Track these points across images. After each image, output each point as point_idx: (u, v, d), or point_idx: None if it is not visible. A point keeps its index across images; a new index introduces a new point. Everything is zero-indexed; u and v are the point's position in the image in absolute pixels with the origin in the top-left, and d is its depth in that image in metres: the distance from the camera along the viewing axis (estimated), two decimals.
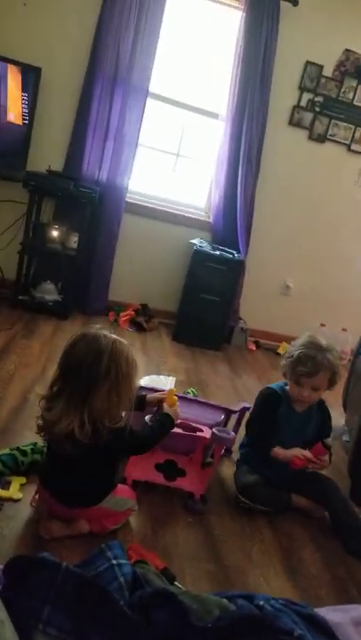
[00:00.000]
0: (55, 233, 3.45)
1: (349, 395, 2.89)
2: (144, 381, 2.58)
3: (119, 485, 1.64)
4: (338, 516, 1.95)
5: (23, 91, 3.21)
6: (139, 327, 3.69)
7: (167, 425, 1.65)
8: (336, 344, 4.56)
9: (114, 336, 1.45)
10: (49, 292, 3.51)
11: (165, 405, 1.70)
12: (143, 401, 1.80)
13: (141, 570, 1.04)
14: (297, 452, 1.86)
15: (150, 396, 1.82)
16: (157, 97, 3.69)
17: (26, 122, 3.27)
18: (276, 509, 1.95)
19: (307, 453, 1.85)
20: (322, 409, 2.03)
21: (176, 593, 0.97)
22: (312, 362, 1.85)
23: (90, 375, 1.38)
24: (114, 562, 0.99)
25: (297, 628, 1.05)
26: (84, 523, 1.55)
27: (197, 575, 1.55)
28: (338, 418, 3.07)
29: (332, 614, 1.27)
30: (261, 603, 1.11)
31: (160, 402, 1.75)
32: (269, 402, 1.98)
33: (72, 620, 0.84)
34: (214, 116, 3.76)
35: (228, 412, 2.20)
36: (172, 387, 2.72)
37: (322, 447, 1.85)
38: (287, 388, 1.98)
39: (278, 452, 1.89)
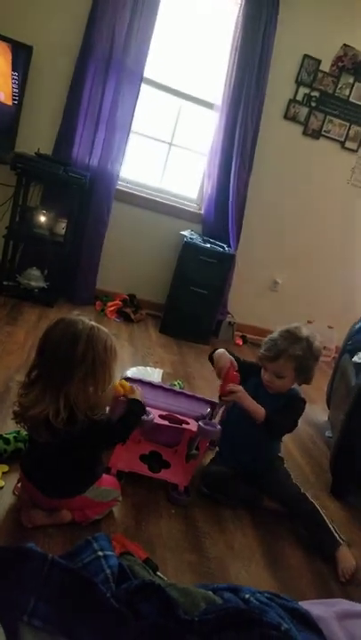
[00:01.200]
0: (43, 218, 3.39)
1: (334, 391, 2.90)
2: (131, 372, 2.56)
3: (104, 476, 1.62)
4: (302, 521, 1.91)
5: (13, 70, 3.12)
6: (126, 318, 3.65)
7: (138, 411, 1.61)
8: (322, 341, 4.58)
9: (92, 322, 1.43)
10: (35, 278, 3.45)
11: (126, 395, 1.64)
12: None
13: (127, 562, 1.02)
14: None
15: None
16: (152, 83, 3.64)
17: (15, 102, 3.18)
18: (240, 500, 1.93)
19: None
20: (288, 400, 1.92)
21: (163, 586, 0.95)
22: (274, 347, 1.83)
23: (65, 360, 1.36)
24: (100, 553, 0.97)
25: (283, 621, 1.04)
26: (66, 512, 1.53)
27: (180, 566, 1.54)
28: (321, 414, 3.10)
29: (315, 608, 1.26)
30: (247, 596, 1.10)
31: (117, 394, 1.66)
32: (245, 364, 1.99)
33: (58, 611, 0.82)
34: (209, 105, 3.73)
35: (214, 406, 2.19)
36: (159, 379, 2.71)
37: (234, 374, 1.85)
38: None
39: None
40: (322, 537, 1.83)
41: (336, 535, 1.83)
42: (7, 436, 1.77)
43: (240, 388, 1.82)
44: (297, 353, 1.81)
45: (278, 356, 1.82)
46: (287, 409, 1.89)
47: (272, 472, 2.00)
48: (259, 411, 1.80)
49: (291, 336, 1.84)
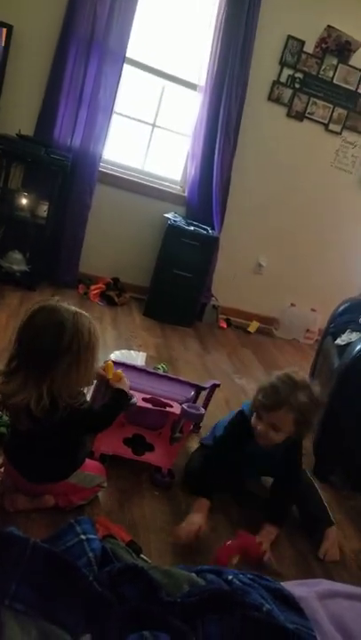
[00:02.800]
0: (24, 200, 3.33)
1: (317, 374, 2.93)
2: (114, 356, 2.56)
3: (89, 461, 1.61)
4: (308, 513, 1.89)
5: None
6: (109, 301, 3.63)
7: (122, 402, 1.60)
8: (305, 322, 4.59)
9: (74, 308, 1.39)
10: (16, 261, 3.40)
11: (112, 382, 1.62)
12: None
13: (110, 545, 1.02)
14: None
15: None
16: (135, 63, 3.57)
17: None
18: (222, 489, 1.89)
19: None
20: (287, 451, 1.75)
21: (146, 568, 0.95)
22: (275, 395, 1.61)
23: (50, 349, 1.32)
24: (83, 537, 0.97)
25: (265, 602, 1.06)
26: (49, 497, 1.53)
27: (163, 548, 1.55)
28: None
29: (297, 589, 1.29)
30: (230, 577, 1.11)
31: (103, 378, 1.65)
32: (235, 429, 1.81)
33: (40, 595, 0.82)
34: (193, 86, 3.67)
35: (198, 389, 2.20)
36: (143, 362, 2.70)
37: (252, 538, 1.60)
38: None
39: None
40: (316, 513, 1.85)
41: (330, 514, 1.85)
42: None
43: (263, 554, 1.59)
44: (300, 402, 1.59)
45: (279, 405, 1.60)
46: (288, 463, 1.77)
47: None
48: (274, 534, 1.67)
49: (289, 381, 1.63)
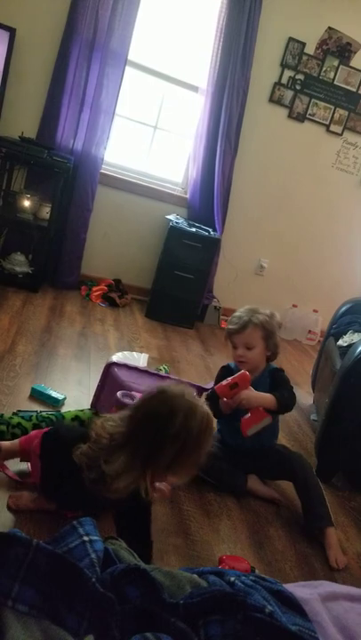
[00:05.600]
0: (27, 203, 3.34)
1: (319, 375, 2.93)
2: (116, 357, 2.56)
3: None
4: (303, 489, 1.94)
5: None
6: (111, 303, 3.63)
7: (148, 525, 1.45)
8: (306, 323, 4.60)
9: (195, 399, 1.33)
10: (19, 263, 3.41)
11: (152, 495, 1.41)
12: None
13: (113, 546, 1.03)
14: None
15: None
16: (136, 66, 3.58)
17: None
18: (224, 486, 1.95)
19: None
20: (273, 376, 2.00)
21: (148, 569, 0.96)
22: (238, 319, 1.96)
23: (158, 435, 1.27)
24: (85, 538, 0.97)
25: (268, 604, 1.06)
26: None
27: (165, 549, 1.56)
28: (306, 397, 3.13)
29: (299, 590, 1.29)
30: (232, 579, 1.11)
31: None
32: (221, 374, 2.04)
33: (43, 596, 0.82)
34: (194, 89, 3.68)
35: (200, 390, 2.20)
36: (145, 363, 2.71)
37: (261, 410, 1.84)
38: None
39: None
40: (318, 509, 1.87)
41: (330, 515, 1.87)
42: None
43: (244, 393, 1.83)
44: (261, 320, 1.94)
45: (245, 326, 1.94)
46: (278, 382, 1.96)
47: (273, 450, 2.04)
48: (267, 398, 1.84)
49: (249, 309, 1.99)
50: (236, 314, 2.00)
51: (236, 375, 1.85)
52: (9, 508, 1.49)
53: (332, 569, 1.75)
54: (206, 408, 1.34)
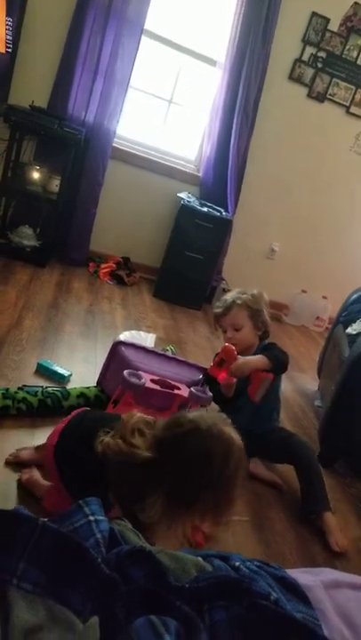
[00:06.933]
0: (36, 174, 3.28)
1: (325, 362, 2.90)
2: (123, 336, 2.53)
3: None
4: (305, 473, 1.95)
5: (7, 15, 2.94)
6: (119, 281, 3.59)
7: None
8: (315, 310, 4.57)
9: (228, 433, 1.18)
10: (27, 236, 3.36)
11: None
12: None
13: (118, 527, 1.01)
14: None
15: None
16: (153, 35, 3.48)
17: (9, 50, 3.02)
18: None
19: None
20: (267, 347, 1.99)
21: (153, 551, 0.94)
22: (223, 302, 2.03)
23: (196, 482, 1.14)
24: (91, 518, 0.95)
25: (272, 591, 1.05)
26: None
27: None
28: (311, 383, 3.11)
29: (302, 576, 1.28)
30: (237, 564, 1.10)
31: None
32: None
33: (47, 575, 0.81)
34: (212, 62, 3.58)
35: (206, 372, 2.17)
36: (152, 343, 2.68)
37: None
38: None
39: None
40: (318, 493, 1.87)
41: (329, 500, 1.88)
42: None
43: (234, 365, 1.84)
44: (244, 300, 1.98)
45: (229, 307, 2.00)
46: (267, 348, 1.98)
47: (275, 432, 2.05)
48: (259, 359, 1.86)
49: (238, 290, 2.04)
50: (222, 298, 2.06)
51: (219, 352, 1.89)
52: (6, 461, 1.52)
53: (334, 553, 1.75)
54: (237, 436, 1.20)
